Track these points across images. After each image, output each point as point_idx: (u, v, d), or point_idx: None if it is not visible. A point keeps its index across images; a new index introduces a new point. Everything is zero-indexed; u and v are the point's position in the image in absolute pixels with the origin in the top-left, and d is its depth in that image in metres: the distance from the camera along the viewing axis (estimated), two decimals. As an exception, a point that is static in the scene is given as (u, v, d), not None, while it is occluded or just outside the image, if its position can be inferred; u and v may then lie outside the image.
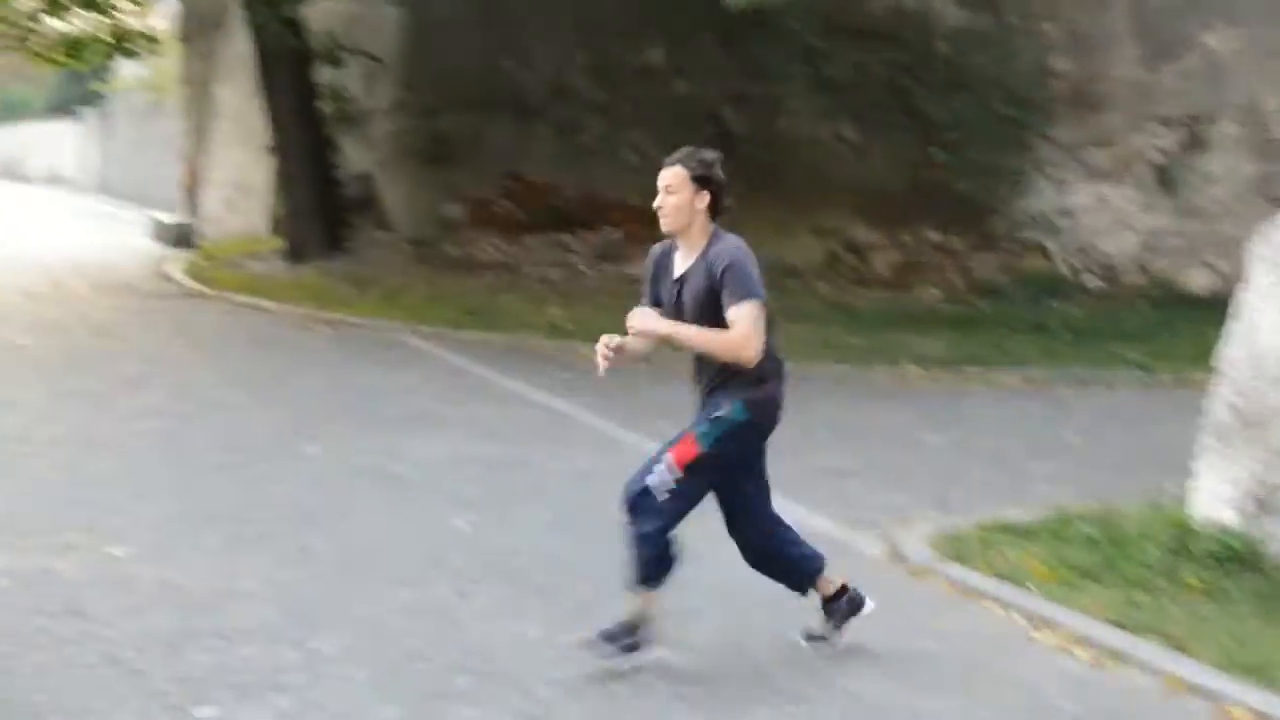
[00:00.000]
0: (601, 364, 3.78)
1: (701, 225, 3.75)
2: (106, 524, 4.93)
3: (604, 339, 3.77)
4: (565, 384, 8.66)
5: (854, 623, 4.03)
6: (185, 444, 6.63)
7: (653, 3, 13.35)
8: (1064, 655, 4.15)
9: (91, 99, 31.88)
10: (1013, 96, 13.19)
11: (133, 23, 16.82)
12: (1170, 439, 5.84)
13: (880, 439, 7.80)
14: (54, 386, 8.09)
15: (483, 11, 14.05)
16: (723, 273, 3.65)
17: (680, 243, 3.81)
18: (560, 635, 3.92)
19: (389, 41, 14.73)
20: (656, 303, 3.87)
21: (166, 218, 22.04)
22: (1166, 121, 13.29)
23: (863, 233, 13.79)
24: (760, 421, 3.79)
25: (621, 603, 3.74)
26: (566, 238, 14.22)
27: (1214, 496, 4.91)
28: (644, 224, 4.59)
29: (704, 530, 3.93)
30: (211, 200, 20.90)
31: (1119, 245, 13.39)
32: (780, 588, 4.05)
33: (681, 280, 3.78)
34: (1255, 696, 3.69)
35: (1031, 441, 7.81)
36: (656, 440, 4.05)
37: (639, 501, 3.66)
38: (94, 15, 15.60)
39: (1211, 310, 6.76)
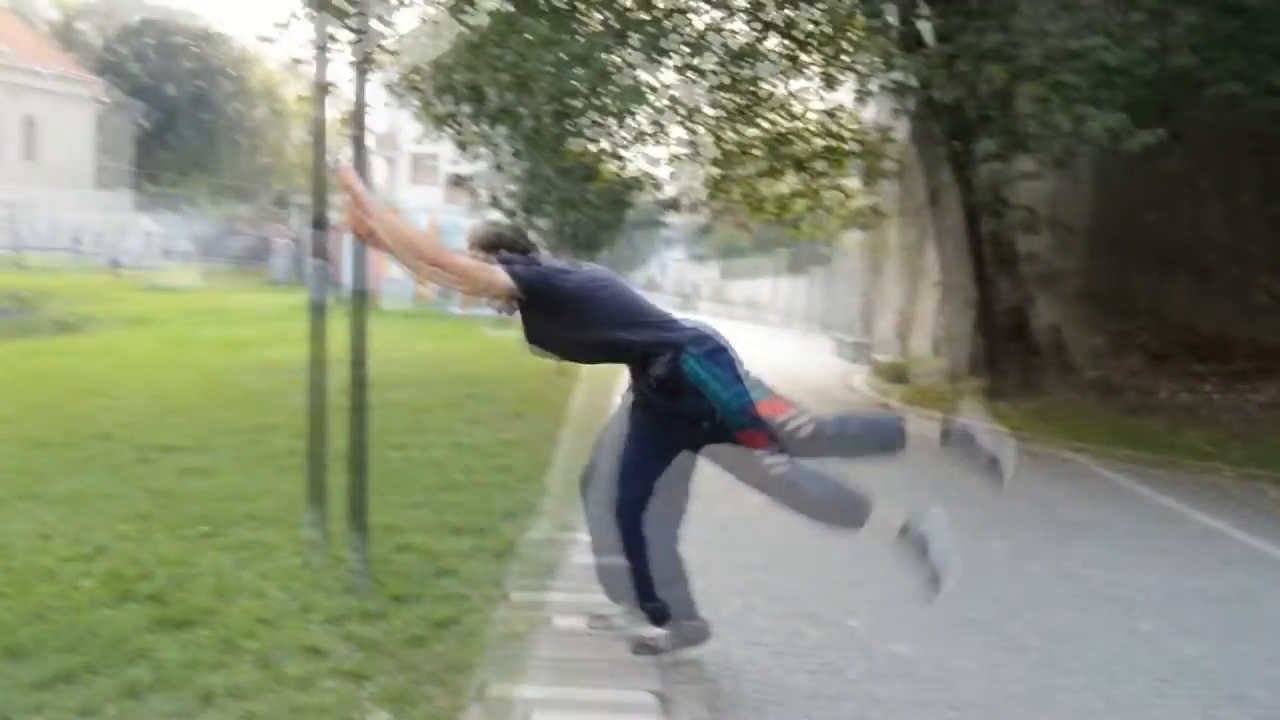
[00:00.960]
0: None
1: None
2: (842, 597, 5.77)
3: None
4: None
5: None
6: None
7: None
8: None
9: (819, 259, 35.79)
10: None
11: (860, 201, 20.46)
12: None
13: None
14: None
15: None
16: None
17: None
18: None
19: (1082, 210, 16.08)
20: None
21: (849, 339, 25.35)
22: None
23: None
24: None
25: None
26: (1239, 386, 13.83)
27: None
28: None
29: None
30: (883, 326, 23.08)
31: None
32: None
33: None
34: None
35: None
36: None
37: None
38: (836, 196, 19.57)
39: None
